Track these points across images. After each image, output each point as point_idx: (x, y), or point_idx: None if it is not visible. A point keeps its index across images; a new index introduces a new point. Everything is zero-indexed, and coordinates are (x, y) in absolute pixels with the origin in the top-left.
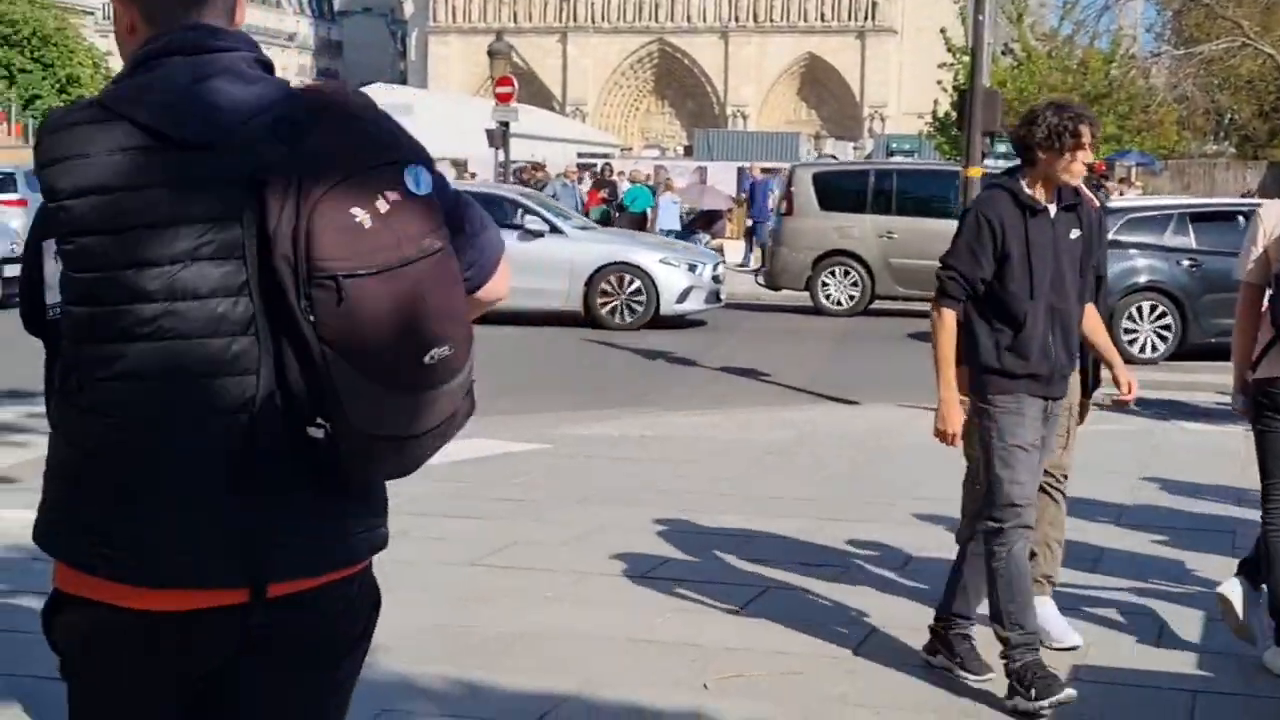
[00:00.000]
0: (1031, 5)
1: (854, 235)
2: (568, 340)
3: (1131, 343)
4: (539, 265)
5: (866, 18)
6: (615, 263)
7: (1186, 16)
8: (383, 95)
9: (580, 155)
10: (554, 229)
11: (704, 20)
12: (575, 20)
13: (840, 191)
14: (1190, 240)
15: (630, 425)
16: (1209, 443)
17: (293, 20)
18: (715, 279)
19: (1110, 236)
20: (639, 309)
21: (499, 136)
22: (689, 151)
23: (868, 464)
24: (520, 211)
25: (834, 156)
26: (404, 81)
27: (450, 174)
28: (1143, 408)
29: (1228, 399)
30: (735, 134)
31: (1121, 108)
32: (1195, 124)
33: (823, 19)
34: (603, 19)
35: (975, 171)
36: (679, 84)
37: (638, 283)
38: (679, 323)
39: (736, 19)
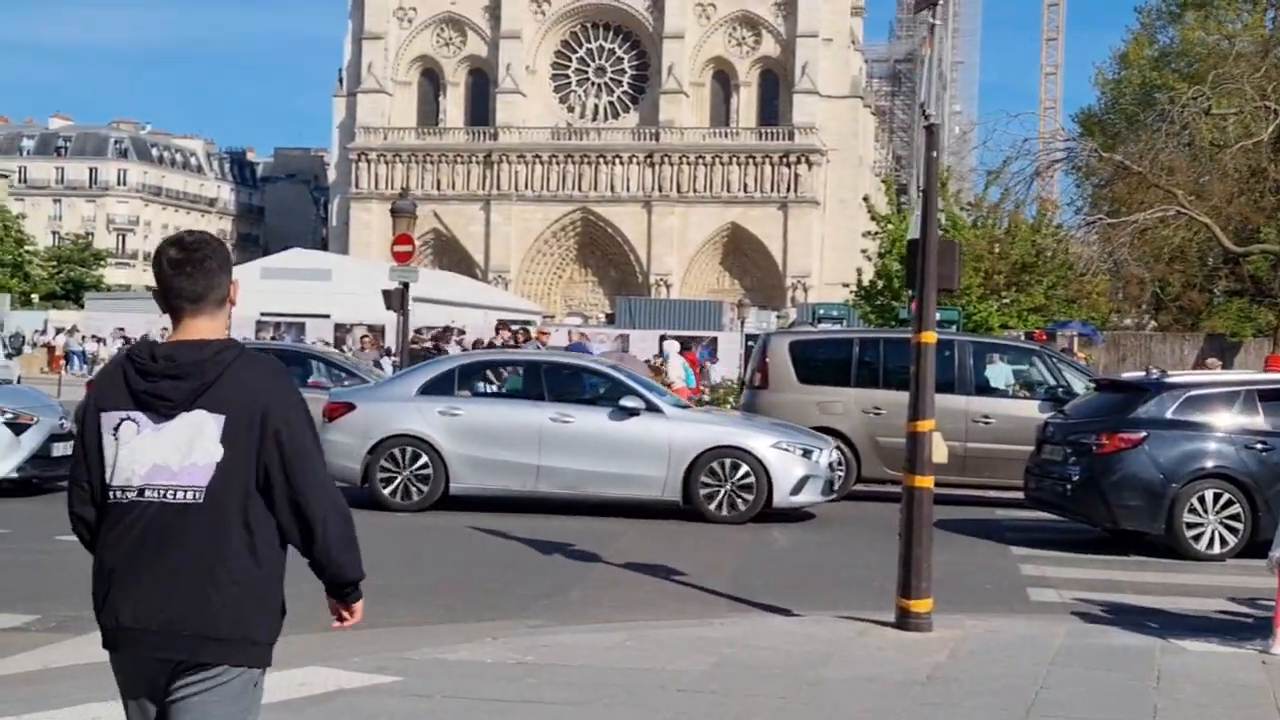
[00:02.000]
0: (956, 172)
1: (836, 411)
2: (460, 527)
3: (1196, 538)
4: (633, 448)
5: (789, 189)
6: (722, 446)
7: (1115, 185)
8: (301, 260)
9: (499, 322)
10: (651, 406)
11: (627, 190)
12: (499, 188)
13: (820, 362)
14: (1260, 420)
15: (507, 647)
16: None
17: (214, 185)
18: (831, 466)
19: (1168, 415)
20: (748, 500)
21: (397, 298)
22: (611, 319)
23: (796, 708)
24: (608, 386)
25: (809, 322)
26: (325, 247)
27: (365, 343)
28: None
29: None
30: (658, 302)
31: (1049, 278)
32: (1129, 293)
33: (745, 189)
34: (526, 187)
35: (929, 337)
36: (602, 252)
37: (747, 470)
38: (600, 509)
39: (660, 189)
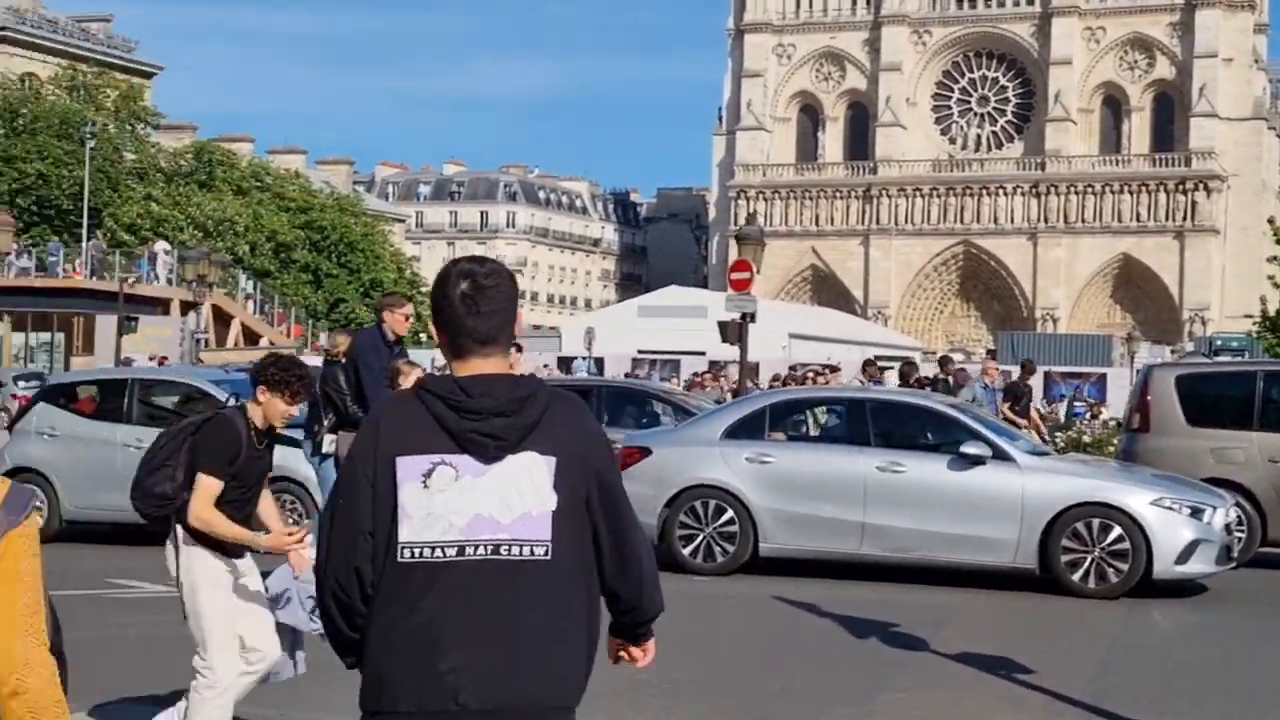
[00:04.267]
0: None
1: (1236, 460)
2: None
3: None
4: (978, 504)
5: (1185, 217)
6: (1088, 503)
7: None
8: (677, 298)
9: (876, 358)
10: (999, 454)
11: (1011, 221)
12: (878, 222)
13: (1215, 400)
14: None
15: None
16: None
17: (598, 226)
18: (1228, 528)
19: None
20: (1121, 570)
21: (734, 330)
22: (993, 355)
23: None
24: (946, 429)
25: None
26: (705, 285)
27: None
28: None
29: None
30: (1043, 336)
31: None
32: None
33: (1138, 219)
34: (906, 221)
35: None
36: (985, 286)
37: (1120, 532)
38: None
39: (1046, 220)
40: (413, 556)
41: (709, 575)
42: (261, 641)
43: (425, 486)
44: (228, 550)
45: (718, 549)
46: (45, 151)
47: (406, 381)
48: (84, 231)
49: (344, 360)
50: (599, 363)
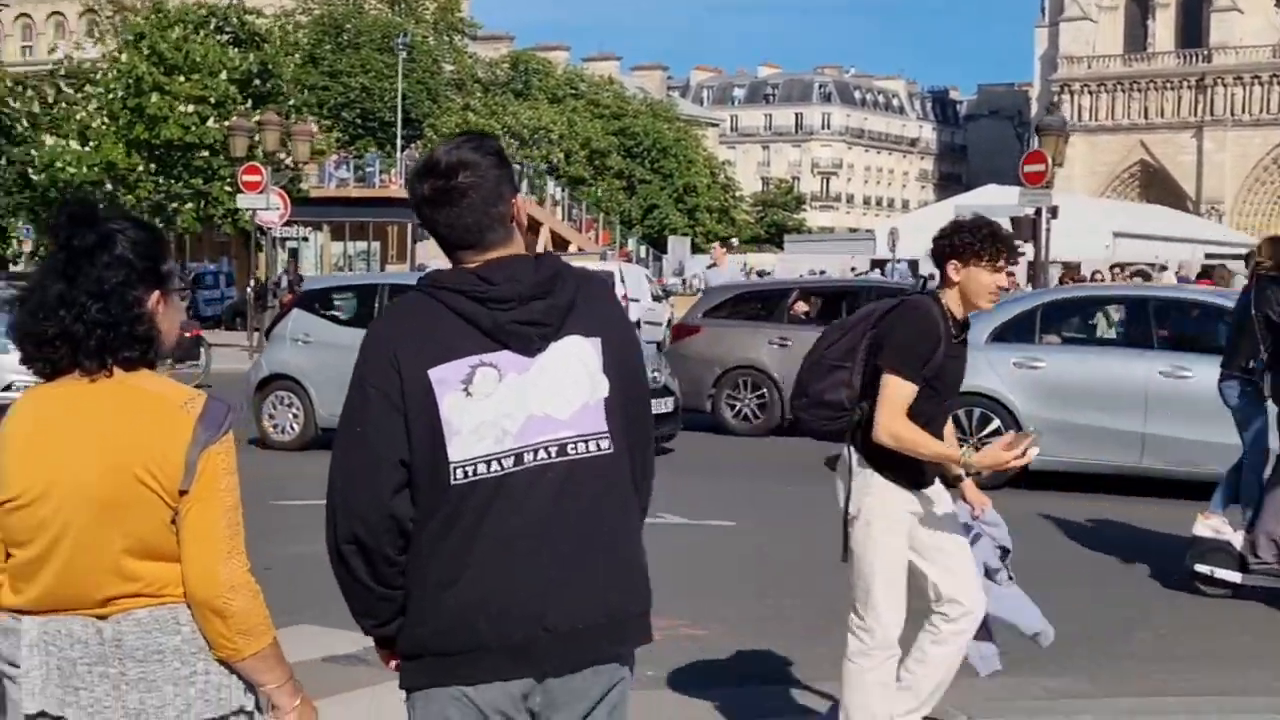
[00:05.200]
0: None
1: None
2: None
3: None
4: None
5: None
6: None
7: None
8: (993, 197)
9: (1208, 257)
10: None
11: None
12: (1212, 113)
13: None
14: None
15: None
16: None
17: (915, 126)
18: None
19: None
20: None
21: (1026, 225)
22: None
23: None
24: None
25: None
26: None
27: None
28: None
29: None
30: None
31: None
32: None
33: None
34: (1243, 111)
35: None
36: None
37: None
38: None
39: None
40: (467, 476)
41: None
42: (960, 591)
43: (468, 394)
44: (916, 476)
45: None
46: (368, 65)
47: None
48: (397, 141)
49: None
50: (913, 265)
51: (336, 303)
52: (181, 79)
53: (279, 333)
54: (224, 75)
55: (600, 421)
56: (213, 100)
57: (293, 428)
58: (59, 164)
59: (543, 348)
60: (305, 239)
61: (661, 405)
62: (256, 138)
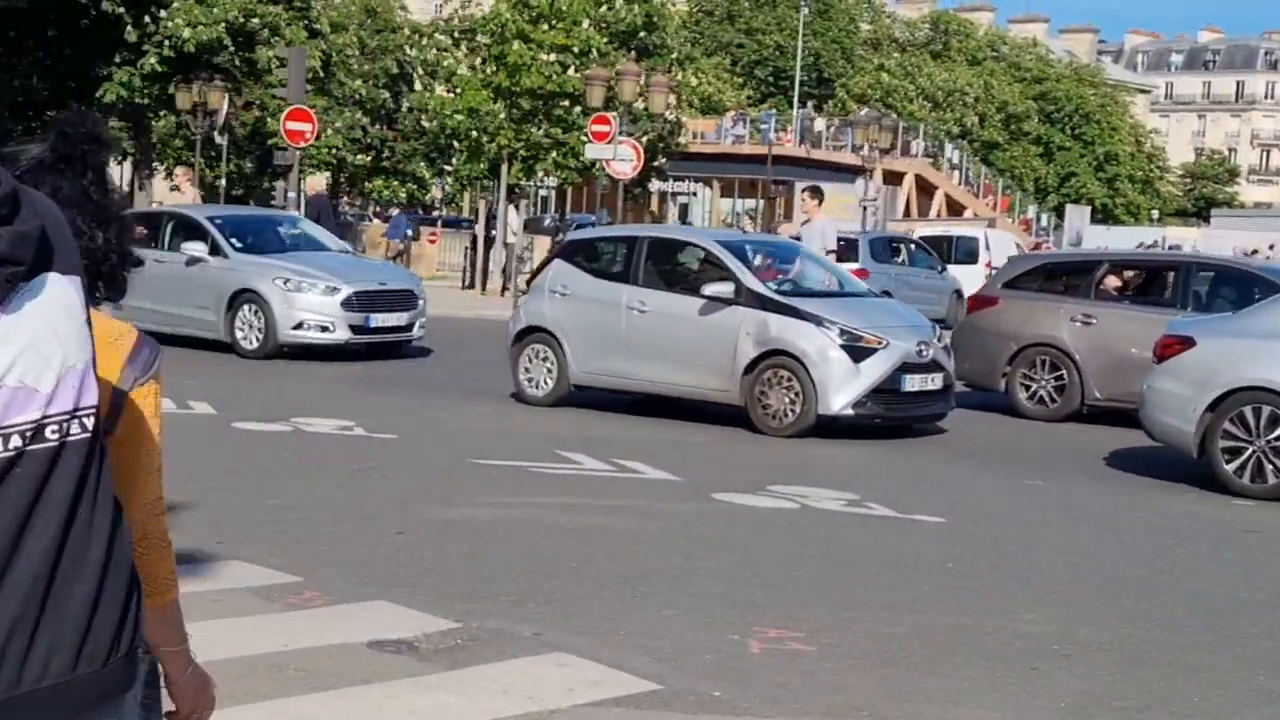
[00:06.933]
0: None
1: None
2: None
3: None
4: None
5: None
6: None
7: None
8: None
9: None
10: None
11: None
12: None
13: None
14: None
15: None
16: None
17: None
18: None
19: None
20: None
21: None
22: None
23: None
24: None
25: None
26: None
27: None
28: None
29: None
30: None
31: None
32: None
33: None
34: None
35: None
36: None
37: None
38: None
39: None
40: None
41: (1254, 499)
42: None
43: None
44: None
45: (1269, 467)
46: (784, 23)
47: None
48: (795, 99)
49: None
50: None
51: (600, 255)
52: (545, 28)
53: (539, 283)
54: (586, 24)
55: (89, 392)
56: (575, 50)
57: (546, 382)
58: (447, 110)
59: (8, 295)
60: (694, 194)
61: (928, 382)
62: (614, 87)
